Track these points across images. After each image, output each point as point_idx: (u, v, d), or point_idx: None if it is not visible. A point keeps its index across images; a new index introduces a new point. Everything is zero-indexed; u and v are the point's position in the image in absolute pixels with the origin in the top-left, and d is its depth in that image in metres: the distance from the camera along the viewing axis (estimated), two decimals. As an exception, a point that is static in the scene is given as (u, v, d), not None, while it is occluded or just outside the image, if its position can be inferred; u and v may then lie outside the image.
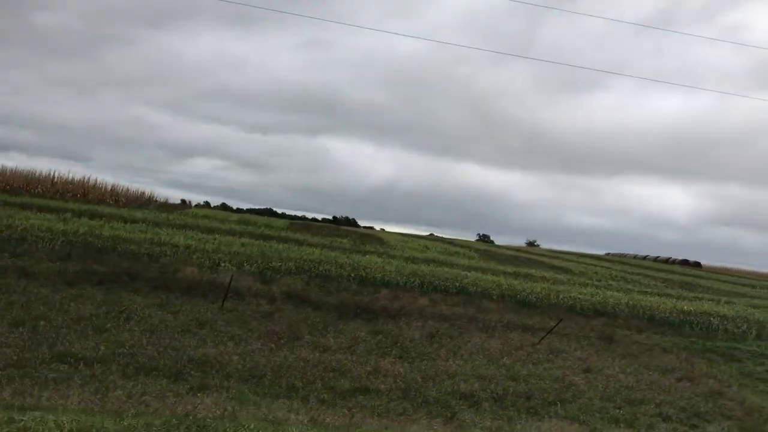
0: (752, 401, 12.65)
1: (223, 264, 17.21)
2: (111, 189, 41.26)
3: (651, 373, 13.68)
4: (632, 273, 44.77)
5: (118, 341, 11.03)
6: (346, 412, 8.60)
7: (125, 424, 4.86)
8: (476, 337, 14.29)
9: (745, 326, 19.43)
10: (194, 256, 17.27)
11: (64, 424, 5.55)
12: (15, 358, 9.55)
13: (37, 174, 37.35)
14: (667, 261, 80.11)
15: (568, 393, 11.58)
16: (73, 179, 39.69)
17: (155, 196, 45.92)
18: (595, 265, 48.44)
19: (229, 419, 6.69)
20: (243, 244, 21.83)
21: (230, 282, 14.23)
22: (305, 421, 7.30)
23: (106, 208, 30.13)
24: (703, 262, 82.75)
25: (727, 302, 27.93)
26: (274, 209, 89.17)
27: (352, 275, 17.95)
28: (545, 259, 47.31)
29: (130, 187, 43.72)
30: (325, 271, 18.01)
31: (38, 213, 22.21)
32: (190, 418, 5.17)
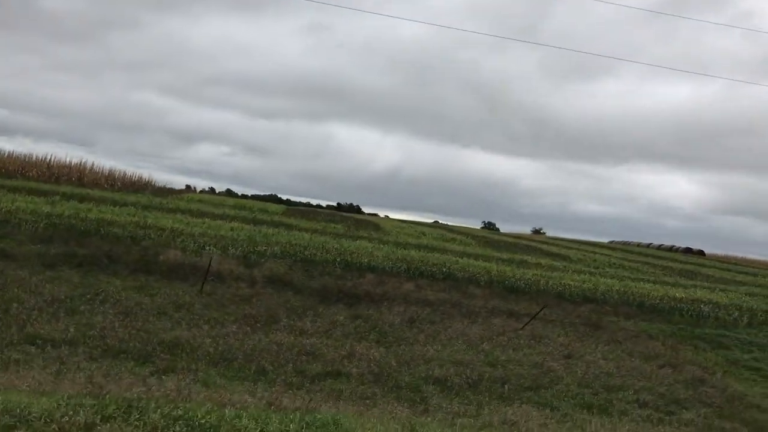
0: (735, 389, 12.49)
1: (207, 248, 17.08)
2: (108, 173, 41.24)
3: (633, 359, 13.54)
4: (632, 261, 44.51)
5: (89, 323, 10.93)
6: (306, 395, 8.48)
7: (54, 404, 4.74)
8: (458, 323, 14.15)
9: (736, 314, 19.23)
10: (178, 240, 17.15)
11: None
12: (-19, 339, 9.45)
13: (33, 158, 37.32)
14: (670, 249, 79.86)
15: (545, 379, 11.44)
16: (70, 163, 39.68)
17: (153, 180, 45.89)
18: (595, 253, 48.23)
19: (183, 401, 6.56)
20: (232, 229, 21.71)
21: (209, 265, 14.11)
22: (263, 404, 7.16)
23: (99, 191, 30.04)
24: (709, 250, 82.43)
25: (723, 290, 27.69)
26: (279, 195, 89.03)
27: (338, 260, 17.80)
28: (544, 246, 47.11)
29: (127, 172, 43.68)
30: (311, 255, 17.87)
31: (27, 196, 22.10)
32: (124, 398, 5.04)
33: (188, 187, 72.70)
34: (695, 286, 27.02)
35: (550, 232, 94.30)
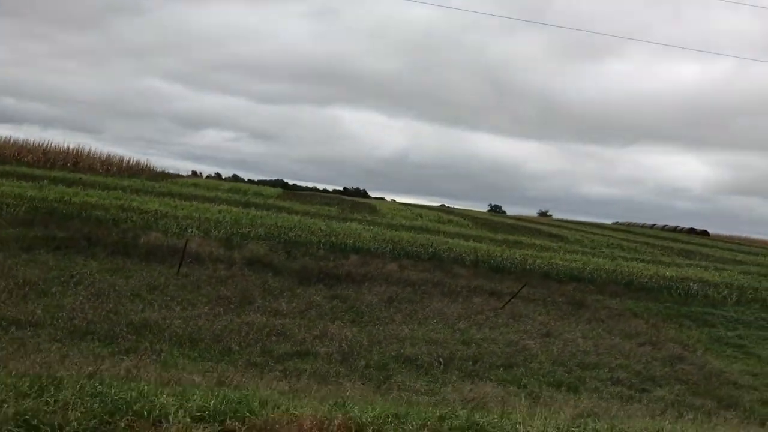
0: (713, 366, 12.37)
1: (190, 230, 17.01)
2: (106, 158, 41.22)
3: (613, 337, 13.42)
4: (632, 241, 44.27)
5: (59, 305, 10.88)
6: (262, 374, 8.41)
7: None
8: (437, 302, 14.05)
9: (726, 292, 19.04)
10: (161, 222, 17.08)
11: None
12: (-56, 321, 9.42)
13: (30, 144, 37.32)
14: (674, 230, 79.54)
15: (519, 357, 11.34)
16: (68, 148, 39.68)
17: (152, 166, 45.86)
18: (595, 234, 47.99)
19: (127, 380, 6.49)
20: (220, 211, 21.63)
21: (185, 247, 14.03)
22: (212, 383, 7.09)
23: (92, 176, 30.02)
24: (717, 231, 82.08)
25: (720, 269, 27.47)
26: (285, 180, 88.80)
27: (322, 241, 17.71)
28: (544, 228, 46.90)
29: (126, 157, 43.66)
30: (295, 237, 17.78)
31: (16, 181, 22.08)
32: (49, 375, 4.97)
33: (194, 173, 72.75)
34: (690, 265, 26.82)
35: (557, 215, 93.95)
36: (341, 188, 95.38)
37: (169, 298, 12.05)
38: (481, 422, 4.92)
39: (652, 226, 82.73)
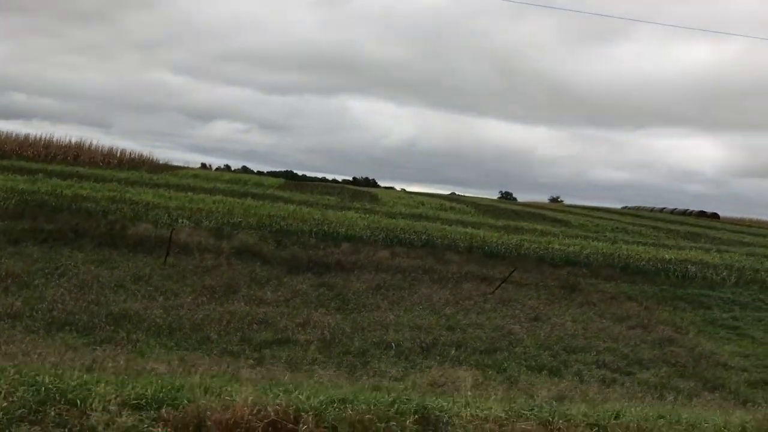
0: (704, 348, 12.19)
1: (180, 220, 16.96)
2: (108, 151, 41.31)
3: (604, 321, 13.27)
4: (638, 225, 43.96)
5: (41, 297, 10.84)
6: (233, 361, 8.34)
7: None
8: (425, 289, 13.93)
9: (725, 273, 18.80)
10: (151, 213, 17.03)
11: None
12: None
13: (30, 138, 37.43)
14: (684, 213, 79.09)
15: (504, 342, 11.21)
16: (70, 142, 39.80)
17: (154, 158, 45.95)
18: (602, 218, 47.67)
19: (89, 370, 6.43)
20: (215, 202, 21.58)
21: (170, 237, 13.97)
22: (178, 371, 7.02)
23: (90, 169, 30.05)
24: (728, 214, 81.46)
25: (721, 251, 27.16)
26: (294, 171, 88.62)
27: (314, 230, 17.62)
28: (548, 213, 46.63)
29: (127, 150, 43.71)
30: (287, 226, 17.70)
31: (11, 174, 22.11)
32: (18, 367, 4.88)
33: (203, 165, 72.85)
34: (692, 248, 26.51)
35: (568, 201, 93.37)
36: (350, 178, 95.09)
37: (152, 289, 12.00)
38: (429, 406, 4.80)
39: (661, 210, 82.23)
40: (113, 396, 4.41)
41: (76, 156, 36.60)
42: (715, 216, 78.27)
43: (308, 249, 15.96)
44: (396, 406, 4.75)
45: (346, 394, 5.05)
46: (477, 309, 12.97)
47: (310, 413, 4.32)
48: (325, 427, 4.20)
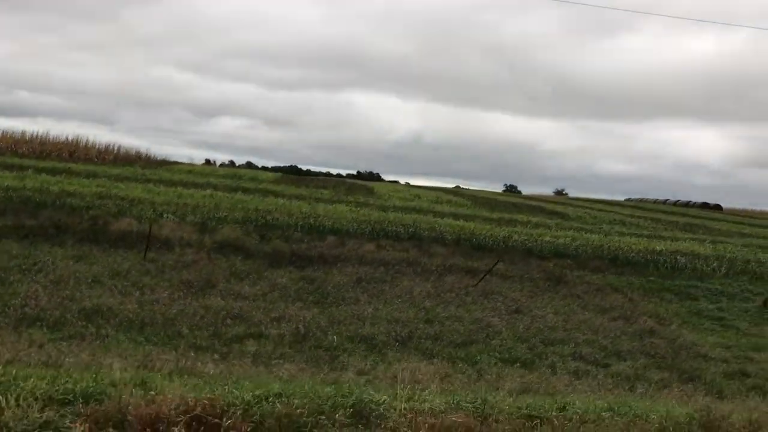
0: (685, 339, 12.08)
1: (165, 215, 16.91)
2: (104, 148, 41.31)
3: (586, 313, 13.17)
4: (637, 216, 43.74)
5: (15, 293, 10.79)
6: (193, 355, 8.28)
7: None
8: (407, 281, 13.85)
9: (715, 264, 18.65)
10: (136, 209, 16.98)
11: None
12: None
13: (26, 135, 37.46)
14: (686, 204, 78.75)
15: (482, 334, 11.13)
16: (66, 139, 39.86)
17: (151, 154, 45.88)
18: (602, 210, 47.43)
19: (46, 366, 6.38)
20: (204, 196, 21.50)
21: (149, 232, 13.91)
22: (134, 366, 6.96)
23: (84, 165, 30.03)
24: (735, 205, 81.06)
25: (720, 242, 26.98)
26: (299, 166, 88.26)
27: (300, 223, 17.54)
28: (547, 205, 46.43)
29: (123, 146, 43.75)
30: (272, 220, 17.63)
31: (0, 171, 22.09)
32: None
33: (208, 161, 72.67)
34: (686, 239, 26.34)
35: (573, 193, 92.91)
36: (355, 172, 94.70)
37: (129, 284, 11.94)
38: (367, 400, 4.73)
39: (664, 202, 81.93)
40: (41, 391, 4.34)
41: (72, 153, 36.60)
42: (717, 207, 77.93)
43: (292, 243, 15.89)
44: (333, 400, 4.68)
45: (284, 388, 4.97)
46: (458, 302, 12.89)
47: (239, 408, 4.25)
48: (251, 422, 4.14)
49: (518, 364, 9.64)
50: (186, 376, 5.94)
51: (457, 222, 22.71)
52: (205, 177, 32.22)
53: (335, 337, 10.29)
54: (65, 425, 3.86)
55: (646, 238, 24.80)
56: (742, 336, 12.70)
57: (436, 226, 19.97)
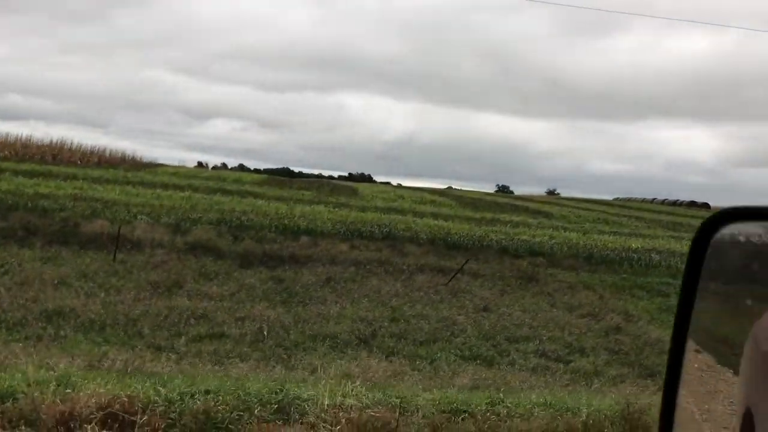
0: (651, 336, 12.14)
1: (140, 217, 16.87)
2: (89, 151, 41.14)
3: (555, 310, 13.21)
4: (622, 215, 43.98)
5: (-23, 295, 10.76)
6: (149, 354, 8.29)
7: None
8: (377, 281, 13.87)
9: (690, 261, 18.71)
10: (109, 211, 16.93)
11: None
12: None
13: (8, 139, 37.29)
14: (674, 203, 79.09)
15: (446, 332, 11.17)
16: (50, 142, 39.70)
17: (138, 157, 45.77)
18: (588, 209, 47.63)
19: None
20: (182, 198, 21.46)
21: (119, 233, 13.88)
22: (83, 366, 6.96)
23: (65, 168, 29.91)
24: (725, 204, 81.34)
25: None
26: (291, 168, 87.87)
27: (275, 224, 17.53)
28: (531, 205, 46.54)
29: (110, 149, 43.57)
30: (248, 220, 17.62)
31: (-23, 175, 21.98)
32: None
33: (200, 164, 72.37)
34: (665, 237, 26.48)
35: (566, 193, 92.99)
36: (347, 174, 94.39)
37: (95, 285, 11.93)
38: (294, 396, 4.75)
39: (652, 201, 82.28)
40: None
41: (55, 156, 36.46)
42: (705, 206, 78.20)
43: (264, 243, 15.88)
44: (260, 396, 4.69)
45: (214, 385, 4.99)
46: (426, 300, 12.92)
47: (160, 405, 4.26)
48: (170, 419, 4.15)
49: (479, 361, 9.69)
50: (130, 376, 5.94)
51: (436, 222, 22.75)
52: (188, 179, 32.15)
53: (297, 336, 10.31)
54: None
55: (624, 236, 24.92)
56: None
57: (413, 225, 20.00)
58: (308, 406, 4.49)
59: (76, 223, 15.33)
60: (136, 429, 3.89)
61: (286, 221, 17.97)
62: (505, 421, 4.67)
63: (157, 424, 3.96)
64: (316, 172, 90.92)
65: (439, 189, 71.50)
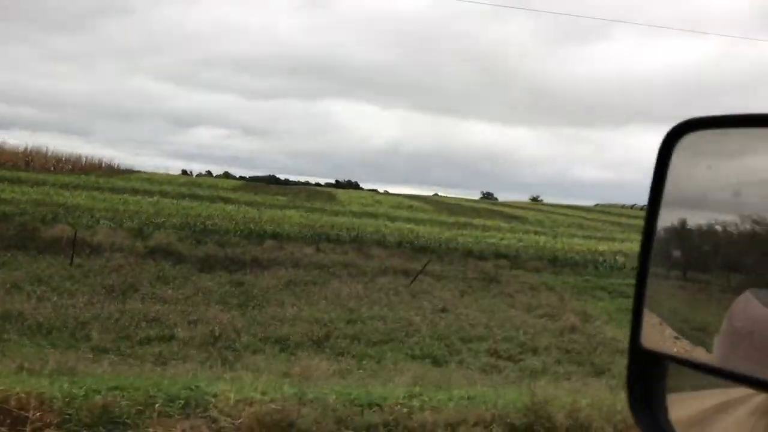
0: (605, 335, 12.22)
1: (102, 222, 16.76)
2: (64, 158, 40.78)
3: (513, 311, 13.27)
4: (598, 220, 44.28)
5: (-76, 300, 10.61)
6: (97, 355, 8.24)
7: None
8: (338, 283, 13.87)
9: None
10: (72, 216, 16.80)
11: None
12: None
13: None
14: (654, 208, 79.68)
15: (400, 333, 11.17)
16: (26, 149, 39.33)
17: (115, 163, 45.39)
18: (565, 215, 48.01)
19: None
20: (149, 203, 21.35)
21: (74, 238, 13.79)
22: (13, 367, 6.87)
23: (35, 174, 29.66)
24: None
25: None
26: (277, 176, 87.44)
27: (240, 228, 17.48)
28: (507, 210, 46.76)
29: (87, 156, 43.24)
30: (212, 225, 17.57)
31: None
32: None
33: (184, 171, 71.84)
34: (635, 240, 26.65)
35: (549, 199, 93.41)
36: (333, 181, 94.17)
37: (49, 289, 11.81)
38: (205, 391, 4.73)
39: (632, 206, 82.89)
40: None
41: (28, 162, 36.10)
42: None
43: (227, 247, 15.83)
44: (169, 392, 4.67)
45: (126, 382, 4.96)
46: (386, 301, 12.93)
47: (59, 401, 4.23)
48: (66, 414, 4.12)
49: (429, 360, 9.70)
50: (55, 376, 5.88)
51: (407, 225, 22.83)
52: (162, 185, 31.99)
53: (249, 338, 10.26)
54: None
55: (594, 240, 25.12)
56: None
57: (383, 229, 20.03)
58: (214, 400, 4.48)
59: (35, 228, 15.20)
60: (28, 425, 3.86)
61: (252, 225, 17.93)
62: (415, 413, 4.68)
63: (50, 420, 3.93)
64: (302, 179, 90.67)
65: (424, 196, 71.65)
